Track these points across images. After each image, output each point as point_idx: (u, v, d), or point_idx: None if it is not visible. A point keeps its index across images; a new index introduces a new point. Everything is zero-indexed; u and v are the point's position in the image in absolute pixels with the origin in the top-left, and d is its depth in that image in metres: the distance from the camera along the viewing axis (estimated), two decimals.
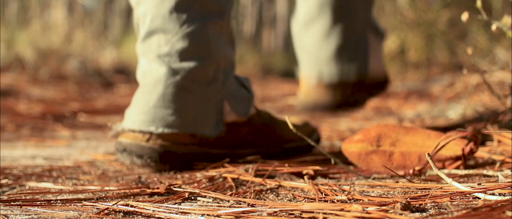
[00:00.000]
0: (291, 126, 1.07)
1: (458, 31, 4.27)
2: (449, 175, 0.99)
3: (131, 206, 0.83)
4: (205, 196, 0.91)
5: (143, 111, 1.14)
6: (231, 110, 1.19)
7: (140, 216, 0.81)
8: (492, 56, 2.49)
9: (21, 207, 0.86)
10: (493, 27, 1.11)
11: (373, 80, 1.80)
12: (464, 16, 1.10)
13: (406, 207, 0.75)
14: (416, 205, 0.78)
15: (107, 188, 0.99)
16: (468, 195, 0.82)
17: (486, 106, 1.81)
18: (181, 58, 1.14)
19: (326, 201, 0.85)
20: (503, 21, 1.12)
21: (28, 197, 0.93)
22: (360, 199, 0.84)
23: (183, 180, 1.05)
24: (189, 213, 0.80)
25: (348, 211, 0.73)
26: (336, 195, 0.87)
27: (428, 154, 0.90)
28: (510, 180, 0.89)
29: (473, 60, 1.13)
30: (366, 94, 1.80)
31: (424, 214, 0.75)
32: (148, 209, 0.82)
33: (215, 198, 0.90)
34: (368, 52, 1.76)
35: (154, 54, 1.15)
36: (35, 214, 0.82)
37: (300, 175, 1.05)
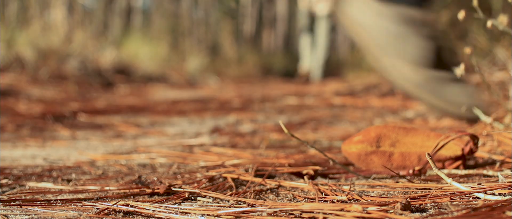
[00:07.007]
0: (286, 131, 1.07)
1: (458, 31, 4.27)
2: (449, 175, 0.99)
3: (131, 206, 0.83)
4: (205, 196, 0.91)
5: None
6: None
7: (140, 216, 0.81)
8: (492, 56, 2.49)
9: (21, 207, 0.86)
10: (488, 24, 1.12)
11: None
12: (461, 15, 1.10)
13: (406, 207, 0.75)
14: (416, 205, 0.78)
15: (107, 188, 0.99)
16: (468, 195, 0.82)
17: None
18: None
19: (326, 201, 0.85)
20: (499, 19, 1.12)
21: (28, 197, 0.93)
22: (360, 199, 0.84)
23: (183, 180, 1.05)
24: (189, 213, 0.80)
25: (348, 211, 0.73)
26: (336, 195, 0.87)
27: (428, 154, 0.90)
28: (510, 180, 0.89)
29: (473, 60, 1.13)
30: None
31: (424, 214, 0.75)
32: (148, 209, 0.82)
33: (215, 198, 0.90)
34: None
35: None
36: (35, 214, 0.82)
37: (300, 175, 1.05)
